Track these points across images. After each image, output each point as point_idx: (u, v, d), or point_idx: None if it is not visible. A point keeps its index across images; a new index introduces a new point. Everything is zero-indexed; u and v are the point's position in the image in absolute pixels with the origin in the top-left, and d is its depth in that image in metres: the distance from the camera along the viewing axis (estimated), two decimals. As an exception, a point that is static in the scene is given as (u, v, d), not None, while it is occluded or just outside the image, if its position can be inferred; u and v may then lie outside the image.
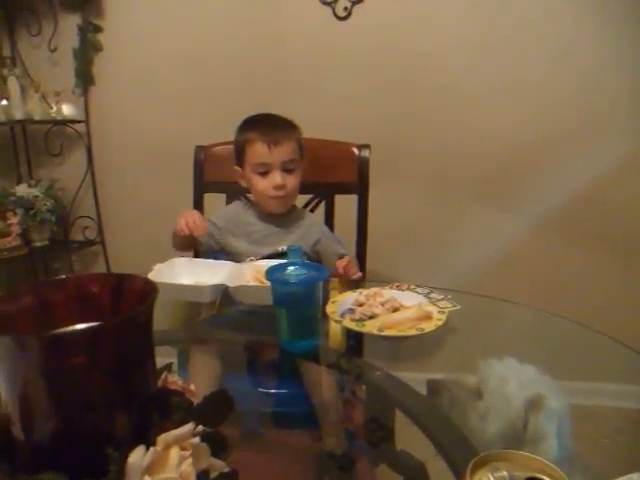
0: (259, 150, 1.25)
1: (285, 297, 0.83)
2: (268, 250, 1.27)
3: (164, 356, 0.61)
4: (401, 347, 0.99)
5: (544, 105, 1.85)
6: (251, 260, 1.23)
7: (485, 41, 1.83)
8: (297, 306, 0.82)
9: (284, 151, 1.25)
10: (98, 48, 2.07)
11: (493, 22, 1.82)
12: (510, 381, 0.59)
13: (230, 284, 0.99)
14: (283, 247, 1.26)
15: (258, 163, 1.26)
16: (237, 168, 1.31)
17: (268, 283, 0.91)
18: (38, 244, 2.13)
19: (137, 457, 0.41)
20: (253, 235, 1.31)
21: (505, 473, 0.33)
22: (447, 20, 1.84)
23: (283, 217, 1.32)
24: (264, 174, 1.26)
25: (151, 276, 1.00)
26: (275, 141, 1.24)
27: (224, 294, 1.01)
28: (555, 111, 1.84)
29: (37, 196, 2.05)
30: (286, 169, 1.26)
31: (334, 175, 1.41)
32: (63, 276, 0.48)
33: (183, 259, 1.16)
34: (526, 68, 1.83)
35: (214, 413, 0.47)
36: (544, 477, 0.33)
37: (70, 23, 2.05)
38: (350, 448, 0.90)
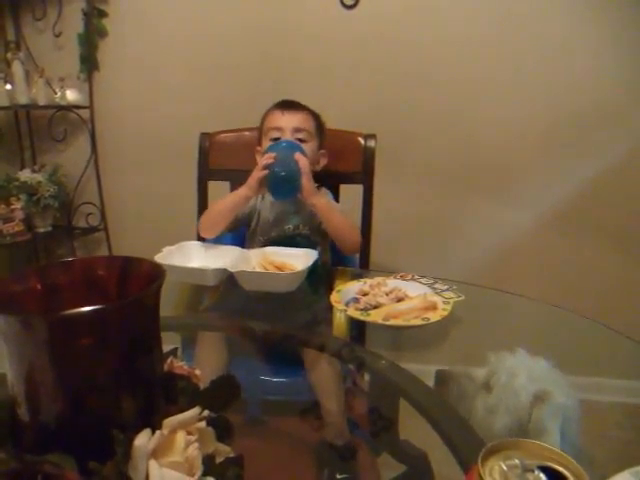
0: (273, 116, 1.28)
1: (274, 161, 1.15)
2: (277, 230, 1.29)
3: (168, 342, 0.61)
4: (404, 337, 0.98)
5: (549, 97, 1.83)
6: (260, 241, 1.25)
7: (494, 31, 1.82)
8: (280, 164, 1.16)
9: (296, 118, 1.26)
10: (103, 33, 2.06)
11: (505, 11, 1.80)
12: (520, 375, 0.58)
13: (235, 269, 0.99)
14: (289, 227, 1.29)
15: (271, 127, 1.27)
16: (258, 148, 1.31)
17: (273, 270, 0.91)
18: (41, 230, 2.13)
19: (143, 440, 0.40)
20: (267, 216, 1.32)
21: (517, 461, 0.33)
22: (456, 10, 1.82)
23: None
24: (276, 140, 1.26)
25: (158, 258, 1.01)
26: (289, 108, 1.27)
27: (229, 279, 1.01)
28: (561, 103, 1.83)
29: (40, 182, 2.05)
30: (298, 138, 1.25)
31: (339, 165, 1.40)
32: (70, 258, 0.48)
33: (193, 242, 1.16)
34: (534, 59, 1.81)
35: (220, 398, 0.47)
36: (556, 465, 0.33)
37: (75, 8, 2.03)
38: (352, 438, 0.90)
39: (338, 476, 0.85)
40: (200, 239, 1.35)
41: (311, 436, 0.90)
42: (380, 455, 0.94)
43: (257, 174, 1.17)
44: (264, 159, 1.17)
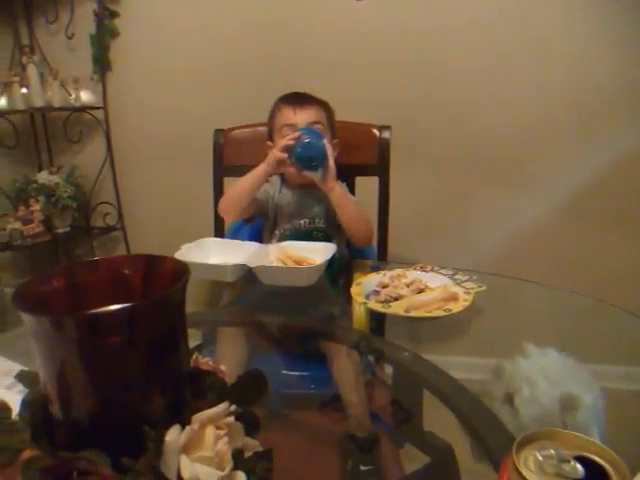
0: (285, 113, 1.28)
1: (301, 145, 1.18)
2: (294, 223, 1.30)
3: (189, 339, 0.61)
4: (423, 329, 0.98)
5: (564, 86, 1.80)
6: (281, 234, 1.27)
7: (507, 21, 1.79)
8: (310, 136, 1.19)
9: (309, 113, 1.26)
10: (114, 34, 2.07)
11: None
12: (539, 382, 0.56)
13: (254, 264, 0.99)
14: (305, 220, 1.30)
15: (284, 124, 1.27)
16: (269, 143, 1.31)
17: (292, 264, 0.91)
18: (60, 230, 2.16)
19: (174, 435, 0.41)
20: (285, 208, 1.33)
21: (552, 451, 0.32)
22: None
23: (308, 189, 1.31)
24: None
25: (177, 255, 1.01)
26: (300, 104, 1.27)
27: (248, 275, 1.01)
28: (574, 92, 1.80)
29: (58, 183, 2.08)
30: None
31: (355, 157, 1.39)
32: (96, 258, 0.48)
33: (212, 239, 1.17)
34: (550, 48, 1.78)
35: (248, 393, 0.47)
36: (593, 456, 0.33)
37: (86, 9, 2.05)
38: (374, 430, 0.90)
39: (362, 467, 0.85)
40: (218, 230, 1.36)
41: (333, 429, 0.91)
42: (403, 447, 0.94)
43: (277, 153, 1.19)
44: (289, 137, 1.19)
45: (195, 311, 1.06)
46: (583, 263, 1.90)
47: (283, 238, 1.28)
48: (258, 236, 1.37)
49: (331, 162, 1.20)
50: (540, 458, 0.32)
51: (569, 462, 0.32)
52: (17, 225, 2.01)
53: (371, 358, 0.99)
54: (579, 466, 0.32)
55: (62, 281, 0.48)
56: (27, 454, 0.40)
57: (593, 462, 0.33)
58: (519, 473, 0.32)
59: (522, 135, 1.87)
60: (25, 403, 0.45)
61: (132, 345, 0.40)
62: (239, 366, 0.92)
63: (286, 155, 1.19)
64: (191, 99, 2.08)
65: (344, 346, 1.00)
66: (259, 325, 1.06)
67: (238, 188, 1.26)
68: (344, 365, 1.00)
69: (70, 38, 2.10)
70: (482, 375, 0.74)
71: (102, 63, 2.09)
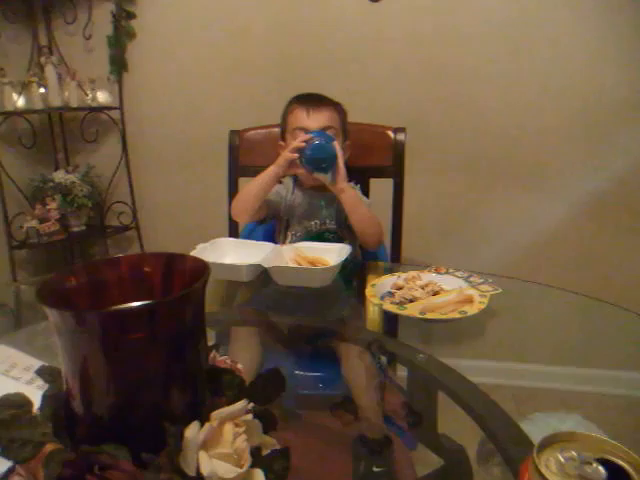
0: (298, 115, 1.28)
1: (311, 147, 1.19)
2: (305, 224, 1.30)
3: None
4: (436, 331, 0.98)
5: (584, 87, 1.79)
6: (293, 235, 1.28)
7: (522, 23, 1.78)
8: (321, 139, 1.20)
9: (322, 117, 1.26)
10: (131, 35, 2.09)
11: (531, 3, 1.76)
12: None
13: (268, 265, 1.00)
14: (317, 222, 1.30)
15: (297, 127, 1.27)
16: (281, 142, 1.32)
17: (306, 265, 0.91)
18: (75, 229, 2.19)
19: (193, 432, 0.41)
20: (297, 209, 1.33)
21: (574, 454, 0.32)
22: (481, 2, 1.79)
23: (319, 191, 1.32)
24: None
25: (193, 255, 1.02)
26: (313, 107, 1.27)
27: (262, 275, 1.01)
28: (591, 94, 1.78)
29: (74, 182, 2.10)
30: None
31: (369, 159, 1.39)
32: (119, 255, 0.49)
33: (227, 239, 1.18)
34: (567, 50, 1.77)
35: (266, 391, 0.48)
36: (615, 459, 0.32)
37: (104, 10, 2.07)
38: (386, 432, 0.90)
39: (374, 469, 0.85)
40: (232, 231, 1.36)
41: (346, 430, 0.90)
42: (415, 449, 0.94)
43: (287, 154, 1.20)
44: (300, 139, 1.19)
45: (209, 311, 1.07)
46: (600, 267, 1.88)
47: (295, 240, 1.28)
48: (272, 237, 1.37)
49: (341, 164, 1.21)
50: (562, 460, 0.32)
51: (591, 464, 0.32)
52: (33, 223, 2.04)
53: (384, 360, 0.99)
54: (601, 468, 0.31)
55: (84, 278, 0.48)
56: (49, 448, 0.41)
57: (615, 464, 0.32)
58: (541, 475, 0.32)
59: (537, 137, 1.85)
60: (46, 398, 0.45)
61: (153, 342, 0.41)
62: (252, 366, 0.93)
63: (297, 155, 1.19)
64: (206, 100, 2.09)
65: (357, 347, 1.00)
66: (272, 325, 1.07)
67: (249, 190, 1.27)
68: (356, 366, 1.00)
69: (88, 39, 2.13)
70: (495, 379, 0.73)
71: (119, 64, 2.11)
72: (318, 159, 1.19)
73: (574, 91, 1.79)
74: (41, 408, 0.45)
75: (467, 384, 0.67)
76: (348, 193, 1.23)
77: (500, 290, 0.94)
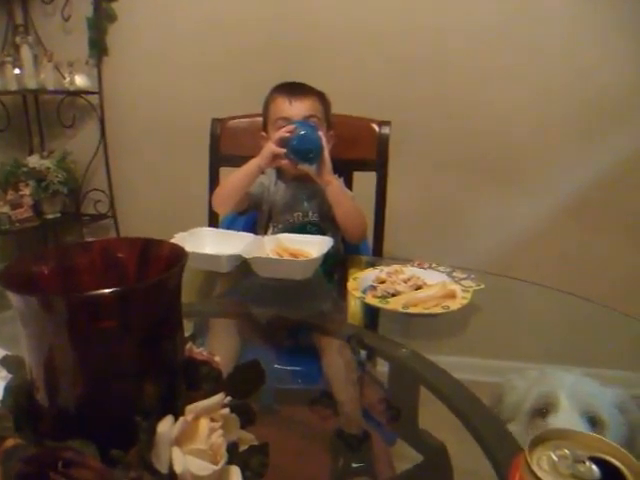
0: (280, 105, 1.25)
1: (296, 137, 1.16)
2: (287, 216, 1.29)
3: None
4: (417, 326, 0.97)
5: (566, 86, 1.80)
6: (274, 227, 1.26)
7: (510, 18, 1.78)
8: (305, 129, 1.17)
9: (305, 106, 1.23)
10: (112, 18, 2.03)
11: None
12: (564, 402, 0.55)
13: (249, 255, 0.97)
14: (299, 213, 1.28)
15: (279, 117, 1.24)
16: (263, 134, 1.29)
17: (288, 257, 0.89)
18: (50, 216, 2.13)
19: (166, 427, 0.39)
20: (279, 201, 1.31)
21: (567, 451, 0.31)
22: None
23: (302, 182, 1.29)
24: None
25: (172, 243, 0.99)
26: (296, 96, 1.24)
27: (242, 266, 0.99)
28: (576, 92, 1.79)
29: (49, 168, 2.04)
30: None
31: (353, 152, 1.37)
32: (90, 239, 0.46)
33: (207, 229, 1.15)
34: (550, 49, 1.78)
35: (245, 384, 0.46)
36: (608, 457, 0.31)
37: (84, -10, 2.01)
38: (364, 427, 0.89)
39: (353, 465, 0.84)
40: (212, 221, 1.33)
41: (325, 425, 0.89)
42: (394, 444, 0.93)
43: (273, 148, 1.17)
44: (284, 129, 1.16)
45: (187, 302, 1.04)
46: (583, 265, 1.90)
47: (276, 231, 1.26)
48: (252, 228, 1.35)
49: (327, 155, 1.19)
50: (555, 458, 0.31)
51: (584, 463, 0.31)
52: (5, 209, 1.98)
53: (363, 354, 0.98)
54: (595, 467, 0.30)
55: (53, 262, 0.46)
56: (9, 443, 0.38)
57: (608, 463, 0.32)
58: (533, 473, 0.30)
59: (523, 133, 1.86)
60: (8, 389, 0.43)
61: (125, 330, 0.39)
62: (231, 358, 0.91)
63: (284, 151, 1.16)
64: (188, 87, 2.05)
65: (337, 341, 0.99)
66: (252, 318, 1.05)
67: (231, 182, 1.25)
68: (336, 361, 0.98)
69: (66, 20, 2.06)
70: (475, 376, 0.73)
71: (98, 47, 2.05)
72: (304, 150, 1.16)
73: (562, 92, 1.80)
74: (3, 400, 0.42)
75: (450, 379, 0.66)
76: (334, 186, 1.21)
77: (483, 286, 0.94)
